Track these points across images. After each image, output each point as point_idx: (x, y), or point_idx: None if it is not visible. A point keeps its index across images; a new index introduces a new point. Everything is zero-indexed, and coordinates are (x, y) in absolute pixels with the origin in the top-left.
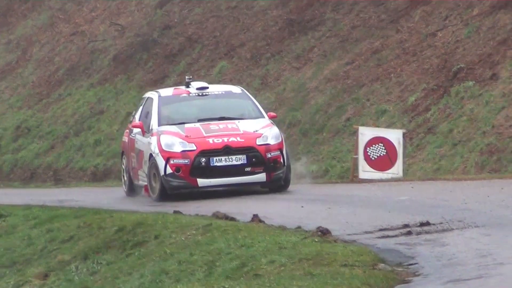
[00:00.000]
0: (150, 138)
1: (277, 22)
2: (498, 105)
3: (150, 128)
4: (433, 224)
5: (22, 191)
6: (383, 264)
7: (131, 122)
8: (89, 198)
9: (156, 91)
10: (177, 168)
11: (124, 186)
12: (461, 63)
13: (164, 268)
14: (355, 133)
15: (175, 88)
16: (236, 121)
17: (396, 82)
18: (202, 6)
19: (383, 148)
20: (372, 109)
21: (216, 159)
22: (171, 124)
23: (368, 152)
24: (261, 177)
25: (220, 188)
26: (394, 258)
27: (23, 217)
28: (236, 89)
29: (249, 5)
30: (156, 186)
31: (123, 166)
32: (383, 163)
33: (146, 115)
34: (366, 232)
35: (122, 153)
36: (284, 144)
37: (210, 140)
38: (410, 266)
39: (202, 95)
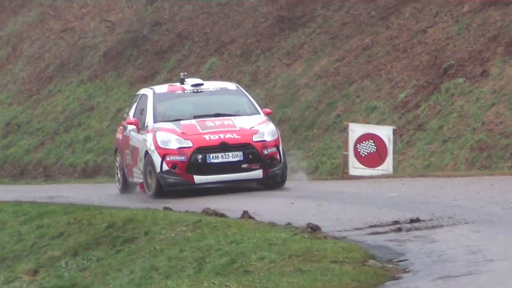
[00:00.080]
0: (146, 135)
1: (267, 19)
2: (488, 101)
3: (146, 125)
4: (423, 221)
5: (12, 188)
6: (373, 261)
7: (124, 119)
8: (79, 195)
9: (151, 88)
10: (173, 165)
11: (118, 183)
12: (451, 60)
13: (154, 264)
14: (345, 129)
15: (169, 85)
16: (232, 118)
17: (386, 78)
18: (192, 3)
19: (373, 144)
20: (362, 106)
21: (212, 156)
22: (166, 121)
23: (358, 148)
24: (257, 173)
25: (217, 185)
26: (384, 254)
27: (13, 213)
28: (231, 86)
29: (239, 1)
30: (152, 183)
31: (117, 164)
32: (373, 159)
33: (141, 112)
34: (356, 229)
35: (116, 150)
36: (280, 140)
37: (207, 137)
38: (400, 263)
39: (197, 91)
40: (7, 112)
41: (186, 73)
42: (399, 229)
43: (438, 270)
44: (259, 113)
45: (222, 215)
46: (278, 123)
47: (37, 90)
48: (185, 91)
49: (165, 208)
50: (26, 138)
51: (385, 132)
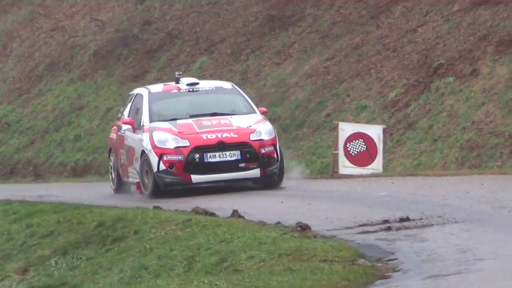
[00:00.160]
0: (142, 134)
1: (257, 18)
2: (478, 101)
3: (141, 124)
4: (413, 220)
5: (1, 186)
6: (362, 260)
7: (119, 118)
8: (69, 194)
9: (146, 88)
10: (170, 164)
11: (112, 183)
12: (441, 59)
13: (143, 263)
14: (335, 128)
15: (164, 84)
16: (229, 117)
17: (377, 77)
18: (182, 2)
19: (363, 143)
20: (352, 105)
21: (210, 155)
22: (162, 120)
23: (348, 147)
24: (255, 172)
25: (214, 184)
26: (373, 253)
27: (3, 212)
28: (226, 85)
29: (229, 0)
30: (149, 182)
31: (111, 163)
32: (363, 158)
33: (136, 112)
34: (346, 228)
35: (110, 150)
36: (277, 139)
37: (204, 136)
38: (389, 262)
39: (193, 91)
40: None
41: (181, 72)
42: (389, 228)
43: (427, 269)
44: (255, 112)
45: (212, 214)
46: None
47: (27, 89)
48: (181, 91)
49: (155, 207)
50: (16, 137)
51: (375, 131)
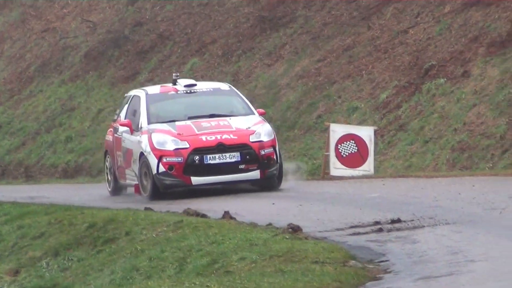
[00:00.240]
0: (140, 136)
1: (248, 19)
2: (469, 102)
3: (139, 126)
4: (404, 221)
5: None
6: (354, 261)
7: (115, 120)
8: (60, 195)
9: (143, 89)
10: (170, 166)
11: (108, 185)
12: (432, 60)
13: (135, 265)
14: (326, 130)
15: (161, 86)
16: (228, 118)
17: (368, 79)
18: (173, 3)
19: (355, 145)
20: (344, 106)
21: (210, 157)
22: (160, 122)
23: (339, 149)
24: (255, 174)
25: (214, 186)
26: (365, 255)
27: None
28: (224, 86)
29: (220, 2)
30: (148, 185)
31: (107, 165)
32: (354, 160)
33: (134, 113)
34: (337, 229)
35: (106, 152)
36: (276, 141)
37: (203, 138)
38: (381, 263)
39: (190, 92)
40: None
41: (178, 74)
42: (380, 230)
43: (419, 271)
44: (253, 113)
45: (203, 216)
46: None
47: (18, 90)
48: (178, 92)
49: (146, 209)
50: (7, 138)
51: (366, 133)
